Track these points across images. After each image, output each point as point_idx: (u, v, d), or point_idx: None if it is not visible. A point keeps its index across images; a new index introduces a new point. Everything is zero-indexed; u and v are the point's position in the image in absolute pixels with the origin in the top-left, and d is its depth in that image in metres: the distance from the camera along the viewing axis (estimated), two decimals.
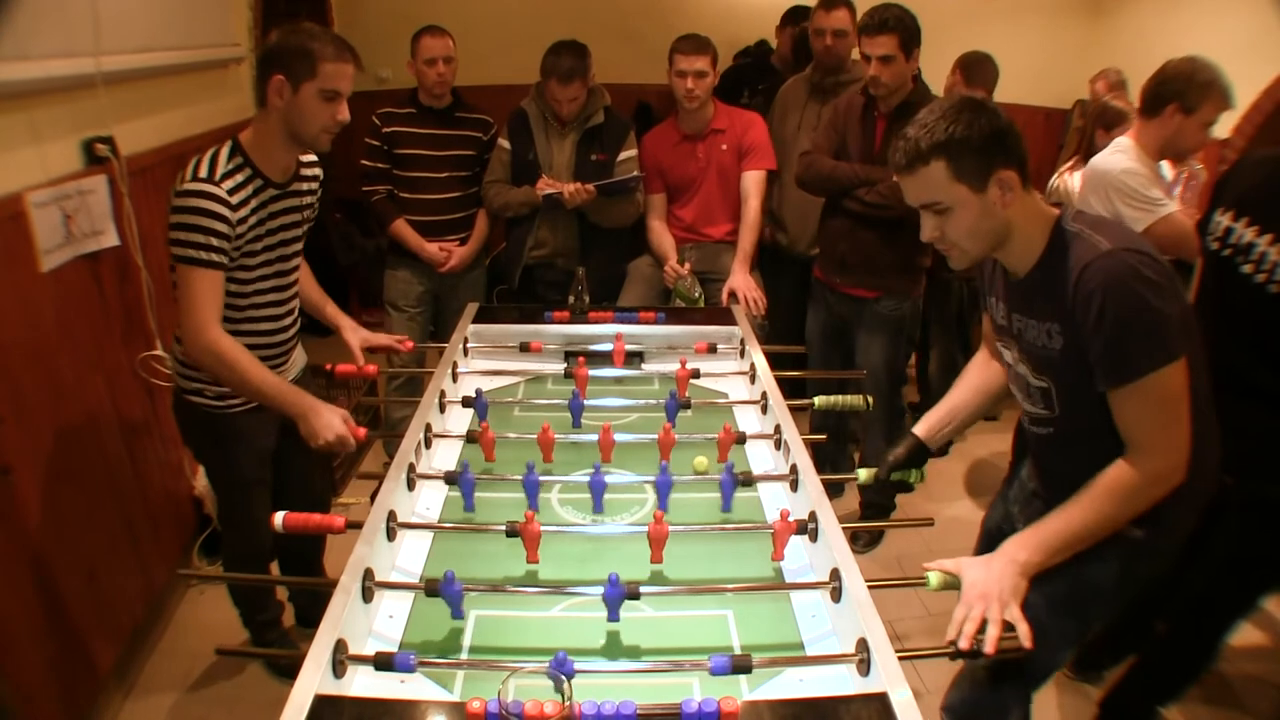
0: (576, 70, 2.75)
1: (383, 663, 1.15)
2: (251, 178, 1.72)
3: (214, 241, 1.65)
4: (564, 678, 1.01)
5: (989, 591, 1.25)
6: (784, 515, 1.45)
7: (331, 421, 1.72)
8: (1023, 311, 1.43)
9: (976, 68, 3.26)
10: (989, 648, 1.20)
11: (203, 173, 1.66)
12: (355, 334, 2.16)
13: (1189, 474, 1.33)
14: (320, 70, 1.65)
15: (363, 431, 1.77)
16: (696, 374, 2.07)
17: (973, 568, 1.31)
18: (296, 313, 1.98)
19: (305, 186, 1.89)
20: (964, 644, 1.22)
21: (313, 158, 1.91)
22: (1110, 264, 1.26)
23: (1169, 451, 1.31)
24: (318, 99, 1.67)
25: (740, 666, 1.16)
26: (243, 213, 1.69)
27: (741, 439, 1.78)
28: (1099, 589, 1.46)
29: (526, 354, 2.27)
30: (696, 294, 2.82)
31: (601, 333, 2.31)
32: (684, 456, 1.78)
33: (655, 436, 1.75)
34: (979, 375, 1.71)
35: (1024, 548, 1.33)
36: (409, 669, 1.15)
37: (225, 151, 1.71)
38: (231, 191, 1.67)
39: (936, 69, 3.52)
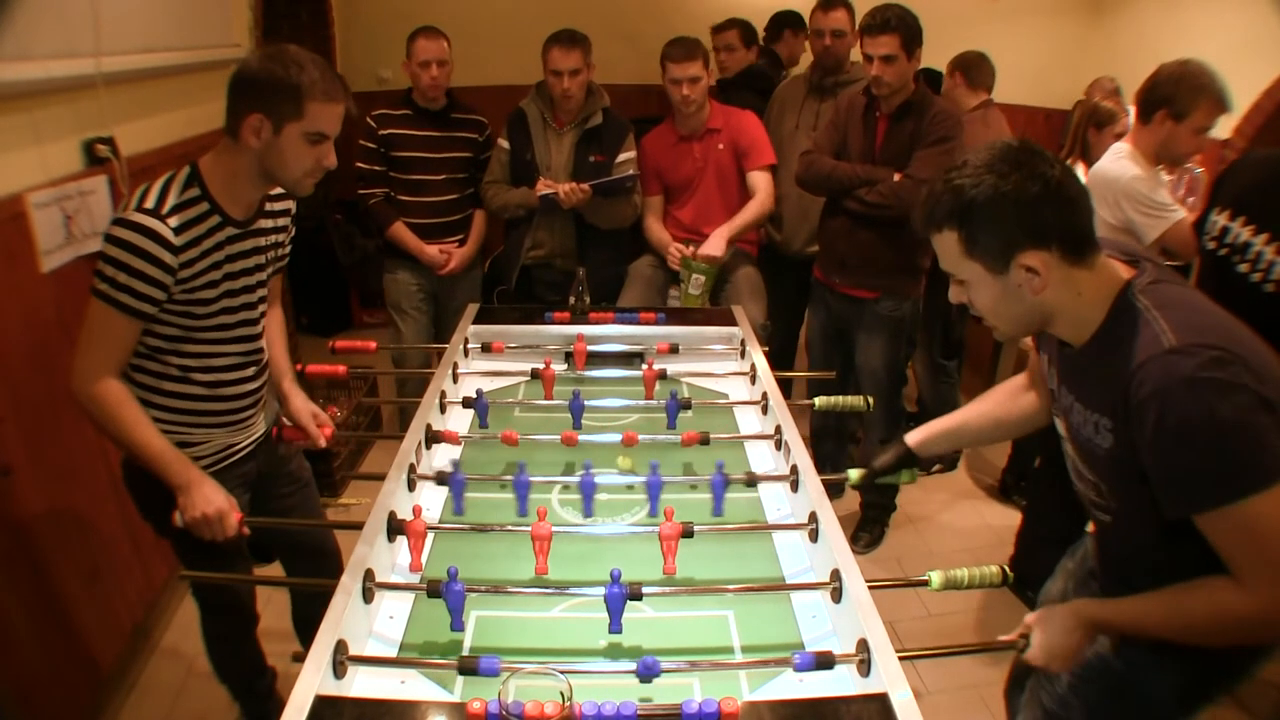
0: (578, 39, 2.76)
1: (467, 667, 1.14)
2: (207, 214, 1.49)
3: (139, 286, 1.42)
4: (563, 678, 1.01)
5: (1054, 659, 1.22)
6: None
7: (212, 497, 1.50)
8: (1072, 390, 1.22)
9: (977, 69, 3.23)
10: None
11: (149, 203, 1.43)
12: (291, 406, 1.85)
13: None
14: (307, 111, 1.43)
15: (244, 527, 1.54)
16: (664, 374, 2.06)
17: (1043, 629, 1.23)
18: (264, 364, 1.74)
19: (271, 224, 1.65)
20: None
21: (281, 190, 1.64)
22: (1176, 366, 1.02)
23: (1274, 594, 1.05)
24: (302, 142, 1.46)
25: (823, 663, 1.16)
26: (190, 254, 1.46)
27: (705, 440, 1.75)
28: (1154, 704, 1.27)
29: (525, 355, 2.27)
30: (706, 266, 2.80)
31: (604, 333, 2.31)
32: (681, 458, 1.78)
33: (655, 437, 1.76)
34: (1001, 405, 1.55)
35: (1100, 623, 1.22)
36: (494, 673, 1.13)
37: (180, 180, 1.48)
38: (179, 230, 1.43)
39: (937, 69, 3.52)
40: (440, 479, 1.61)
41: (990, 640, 1.29)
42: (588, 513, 1.60)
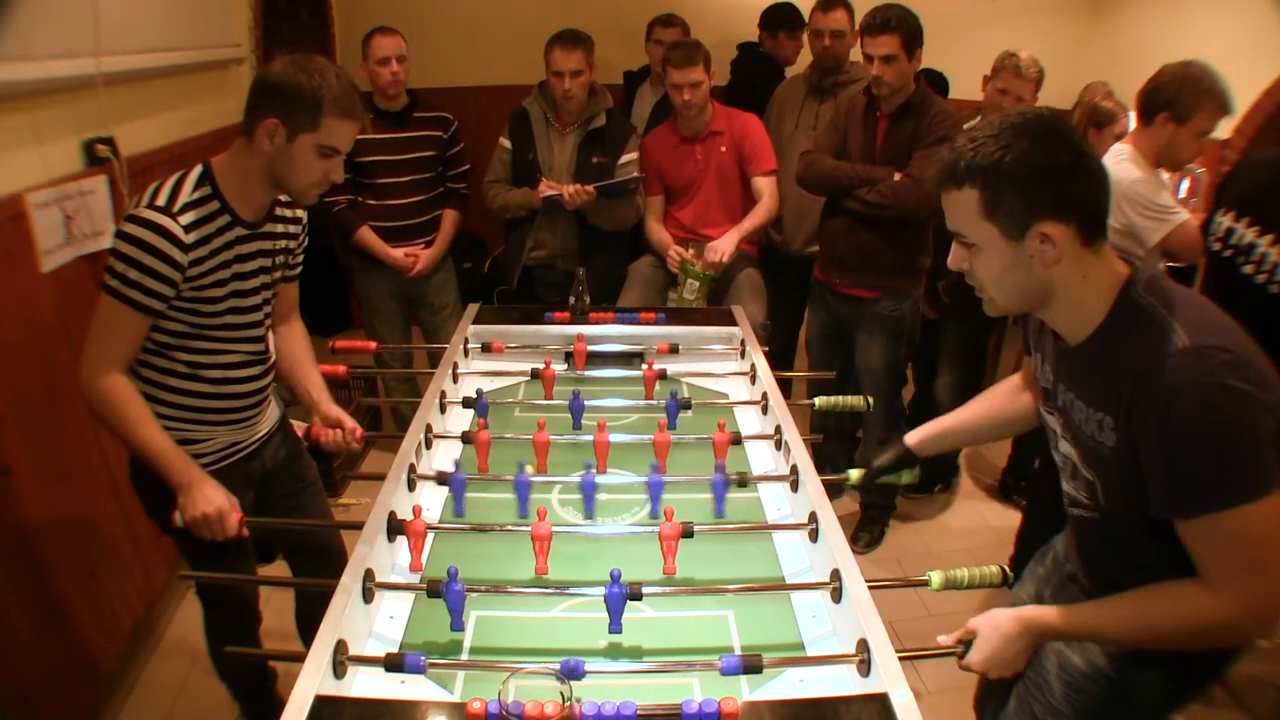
0: (580, 39, 2.76)
1: (393, 664, 1.15)
2: (218, 213, 1.50)
3: (149, 283, 1.44)
4: (566, 679, 1.01)
5: (994, 667, 1.21)
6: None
7: (212, 497, 1.50)
8: (1072, 387, 1.20)
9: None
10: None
11: (161, 200, 1.44)
12: (319, 409, 1.87)
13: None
14: (323, 124, 1.45)
15: (244, 528, 1.53)
16: (664, 374, 2.06)
17: (985, 636, 1.21)
18: (270, 363, 1.73)
19: (281, 229, 1.66)
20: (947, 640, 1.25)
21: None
22: (1190, 366, 1.01)
23: (1246, 601, 1.05)
24: (313, 154, 1.47)
25: (750, 667, 1.16)
26: (200, 253, 1.47)
27: (738, 439, 1.77)
28: (1145, 708, 1.28)
29: (525, 355, 2.27)
30: (707, 273, 2.79)
31: (604, 333, 2.31)
32: (682, 458, 1.78)
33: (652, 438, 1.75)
34: (999, 404, 1.55)
35: (1048, 631, 1.19)
36: (419, 670, 1.15)
37: (192, 179, 1.49)
38: (189, 227, 1.45)
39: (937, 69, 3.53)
40: (440, 479, 1.61)
41: (931, 645, 1.26)
42: (589, 513, 1.60)
